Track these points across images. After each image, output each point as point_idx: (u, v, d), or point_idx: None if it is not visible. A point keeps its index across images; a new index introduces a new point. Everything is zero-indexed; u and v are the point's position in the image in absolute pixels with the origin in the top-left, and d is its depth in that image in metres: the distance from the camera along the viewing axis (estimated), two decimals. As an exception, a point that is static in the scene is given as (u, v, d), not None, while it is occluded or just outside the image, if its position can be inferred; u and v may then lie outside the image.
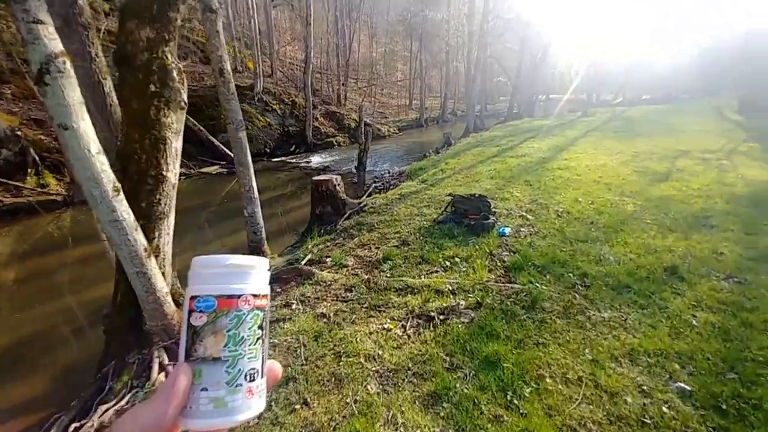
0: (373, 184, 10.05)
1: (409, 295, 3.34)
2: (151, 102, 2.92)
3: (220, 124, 14.17)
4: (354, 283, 3.70)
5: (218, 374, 0.34)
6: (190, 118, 13.39)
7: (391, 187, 9.55)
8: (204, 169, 13.21)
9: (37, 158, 10.03)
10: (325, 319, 3.12)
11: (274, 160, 14.84)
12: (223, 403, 0.33)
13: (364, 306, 3.26)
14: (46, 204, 9.46)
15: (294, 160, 14.80)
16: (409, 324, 2.94)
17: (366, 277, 3.81)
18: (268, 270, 0.40)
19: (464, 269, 3.74)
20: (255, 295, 0.36)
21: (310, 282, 3.84)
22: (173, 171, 3.15)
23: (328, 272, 4.09)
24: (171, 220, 3.28)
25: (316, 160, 14.81)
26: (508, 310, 3.01)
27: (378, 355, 2.60)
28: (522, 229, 4.59)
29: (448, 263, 3.89)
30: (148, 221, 3.06)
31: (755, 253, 3.94)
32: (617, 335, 2.71)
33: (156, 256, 3.14)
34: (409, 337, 2.80)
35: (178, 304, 3.86)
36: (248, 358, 0.35)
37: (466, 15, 19.31)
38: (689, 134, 12.38)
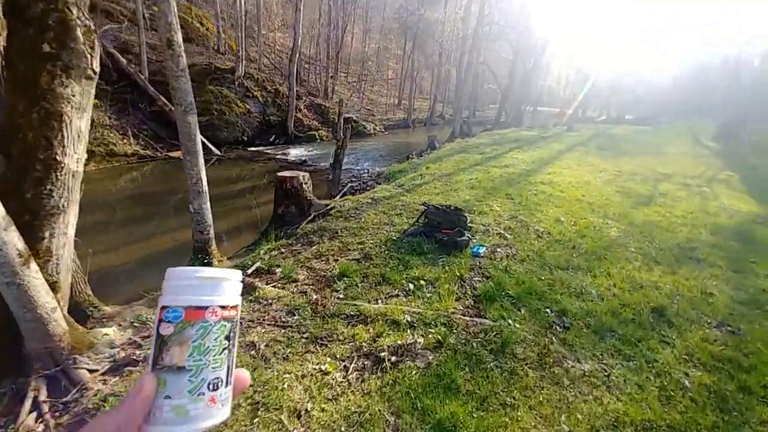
0: (349, 184, 9.46)
1: (360, 326, 2.79)
2: (42, 66, 2.25)
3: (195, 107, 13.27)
4: (299, 304, 3.12)
5: (181, 383, 0.34)
6: (161, 98, 12.48)
7: (368, 188, 8.99)
8: (173, 153, 12.32)
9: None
10: (253, 351, 2.53)
11: (250, 149, 14.04)
12: (184, 411, 0.33)
13: (305, 336, 2.69)
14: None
15: (271, 151, 14.03)
16: (353, 366, 2.38)
17: (315, 297, 3.24)
18: (240, 281, 0.40)
19: (429, 295, 3.22)
20: (223, 307, 0.36)
21: (250, 298, 3.24)
22: (74, 156, 2.49)
23: (273, 287, 3.49)
24: (71, 216, 2.61)
25: (295, 152, 14.08)
26: (473, 354, 2.49)
27: (306, 410, 2.04)
28: (499, 250, 4.11)
29: (411, 286, 3.36)
30: (35, 217, 2.40)
31: (745, 296, 3.57)
32: (599, 397, 2.24)
33: (47, 261, 2.49)
34: (349, 384, 2.25)
35: (86, 317, 3.20)
36: (212, 368, 0.35)
37: (461, 18, 18.87)
38: (669, 156, 12.31)
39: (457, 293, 3.26)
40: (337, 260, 3.97)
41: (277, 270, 3.91)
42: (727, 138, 17.16)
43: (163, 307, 0.36)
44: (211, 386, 0.36)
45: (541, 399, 2.18)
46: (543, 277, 3.58)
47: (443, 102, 30.37)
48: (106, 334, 3.04)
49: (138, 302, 3.64)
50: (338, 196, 8.30)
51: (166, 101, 12.49)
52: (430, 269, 3.65)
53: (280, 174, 5.72)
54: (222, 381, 0.37)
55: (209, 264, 4.68)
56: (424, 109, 28.62)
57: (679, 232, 5.13)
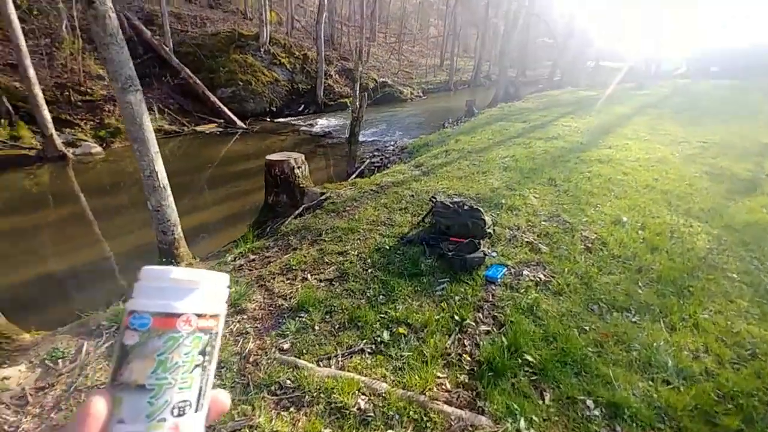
0: (368, 160, 8.33)
1: (289, 412, 1.83)
2: None
3: (219, 78, 12.61)
4: (226, 358, 2.21)
5: (140, 405, 0.28)
6: (186, 69, 11.87)
7: (389, 164, 7.83)
8: (199, 127, 11.85)
9: (10, 107, 8.96)
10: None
11: (277, 120, 13.23)
12: None
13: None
14: (16, 159, 8.48)
15: (298, 122, 13.12)
16: None
17: (250, 346, 2.31)
18: (227, 286, 0.34)
19: (407, 354, 2.15)
20: (200, 315, 0.30)
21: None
22: None
23: (210, 322, 2.62)
24: None
25: (322, 123, 13.05)
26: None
27: None
28: (526, 272, 2.87)
29: (386, 334, 2.30)
30: None
31: None
32: None
33: None
34: None
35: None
36: (179, 388, 0.29)
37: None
38: (773, 120, 9.60)
39: (447, 355, 2.15)
40: (305, 279, 2.99)
41: (233, 289, 3.03)
42: None
43: (131, 312, 0.30)
44: (175, 411, 0.29)
45: None
46: (588, 326, 2.34)
47: (490, 61, 27.28)
48: (4, 378, 2.37)
49: (65, 327, 2.94)
50: (354, 175, 7.26)
51: (190, 73, 11.89)
52: (420, 305, 2.55)
53: (268, 157, 4.76)
54: (190, 405, 0.30)
55: (175, 269, 3.94)
56: (468, 69, 25.90)
57: (804, 241, 3.49)
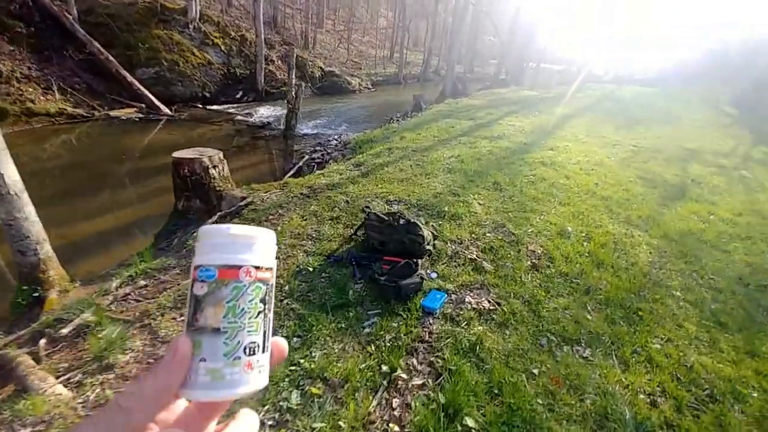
0: (308, 156, 7.65)
1: None
2: None
3: (138, 56, 11.02)
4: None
5: (217, 345, 0.31)
6: (95, 42, 10.19)
7: (329, 161, 7.23)
8: (114, 112, 10.28)
9: None
10: None
11: (210, 108, 11.92)
12: (220, 375, 0.30)
13: None
14: None
15: (234, 110, 11.93)
16: None
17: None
18: (275, 243, 0.36)
19: (318, 428, 1.64)
20: (257, 267, 0.33)
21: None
22: None
23: (59, 388, 1.90)
24: None
25: (262, 112, 11.97)
26: None
27: None
28: (468, 298, 2.49)
29: (295, 397, 1.77)
30: None
31: None
32: None
33: None
34: None
35: None
36: (248, 332, 0.32)
37: (459, -46, 15.82)
38: (690, 125, 10.38)
39: (372, 421, 1.68)
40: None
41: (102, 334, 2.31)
42: (746, 106, 15.00)
43: (197, 267, 0.32)
44: (247, 350, 0.32)
45: None
46: (537, 369, 1.99)
47: (439, 56, 27.33)
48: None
49: None
50: (290, 173, 6.56)
51: (101, 48, 10.23)
52: (343, 348, 2.05)
53: (175, 154, 3.96)
54: (258, 346, 0.33)
55: (40, 298, 3.07)
56: (418, 63, 25.71)
57: (733, 251, 3.51)
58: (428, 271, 2.74)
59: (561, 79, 18.62)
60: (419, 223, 2.84)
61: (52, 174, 6.47)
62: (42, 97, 9.11)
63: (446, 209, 3.72)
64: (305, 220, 3.52)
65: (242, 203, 4.01)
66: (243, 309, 0.32)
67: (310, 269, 2.75)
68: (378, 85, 20.16)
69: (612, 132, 8.46)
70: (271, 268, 0.35)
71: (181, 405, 0.33)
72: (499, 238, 3.25)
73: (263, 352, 0.34)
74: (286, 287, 2.56)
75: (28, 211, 2.90)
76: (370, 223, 2.95)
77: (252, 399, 1.63)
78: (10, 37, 9.28)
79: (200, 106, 11.86)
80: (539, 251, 3.10)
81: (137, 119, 10.05)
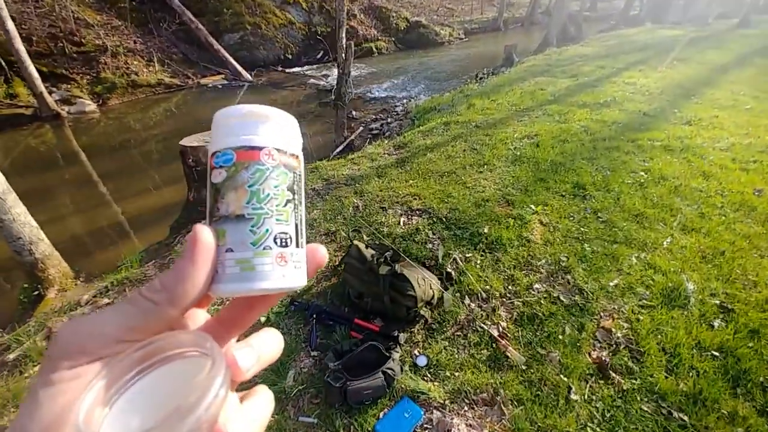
0: (363, 127, 6.75)
1: None
2: None
3: (225, 22, 11.07)
4: None
5: (243, 233, 0.27)
6: (187, 12, 10.45)
7: (387, 133, 6.25)
8: (204, 80, 10.69)
9: (2, 63, 8.29)
10: None
11: (289, 71, 11.63)
12: (250, 266, 0.26)
13: None
14: (13, 118, 7.98)
15: (312, 72, 11.44)
16: None
17: None
18: (299, 130, 0.32)
19: None
20: (279, 150, 0.29)
21: None
22: None
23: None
24: None
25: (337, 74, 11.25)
26: None
27: None
28: (461, 428, 1.48)
29: None
30: None
31: None
32: None
33: None
34: None
35: None
36: (277, 220, 0.28)
37: None
38: None
39: None
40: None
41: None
42: None
43: (213, 153, 0.29)
44: (278, 241, 0.27)
45: None
46: None
47: (554, -9, 22.40)
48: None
49: None
50: (339, 149, 5.82)
51: (192, 16, 10.47)
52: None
53: (182, 142, 3.49)
54: (291, 238, 0.28)
55: (40, 299, 3.00)
56: (524, 3, 21.56)
57: None
58: (415, 353, 1.75)
59: (722, 12, 13.47)
60: (410, 279, 1.81)
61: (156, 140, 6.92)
62: (144, 69, 9.80)
63: (486, 230, 2.54)
64: (297, 233, 2.75)
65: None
66: (268, 194, 0.28)
67: (262, 318, 2.02)
68: (472, 33, 17.51)
69: (802, 90, 5.53)
70: (296, 155, 0.31)
71: (199, 320, 0.29)
72: (554, 296, 2.02)
73: (297, 246, 0.29)
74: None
75: (16, 213, 2.73)
76: (349, 261, 2.04)
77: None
78: (117, 11, 10.02)
79: (280, 69, 11.65)
80: (619, 335, 1.81)
81: (220, 86, 10.28)
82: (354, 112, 7.81)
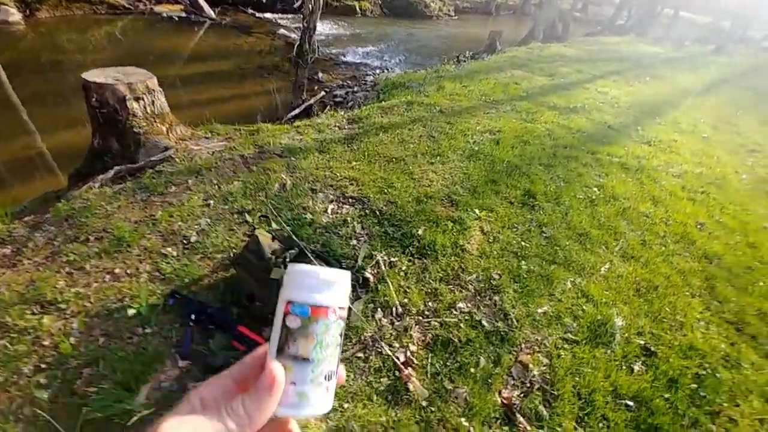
0: (324, 92, 6.21)
1: None
2: None
3: (189, -58, 9.61)
4: None
5: (305, 372, 0.35)
6: None
7: (351, 102, 5.77)
8: (159, 8, 9.39)
9: None
10: None
11: (259, 15, 10.50)
12: (306, 397, 0.34)
13: None
14: None
15: (286, 22, 10.41)
16: None
17: None
18: (351, 282, 0.40)
19: None
20: (341, 308, 0.37)
21: None
22: None
23: None
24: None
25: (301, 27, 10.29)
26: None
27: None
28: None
29: None
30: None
31: None
32: None
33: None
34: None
35: None
36: (328, 361, 0.36)
37: None
38: None
39: None
40: None
41: None
42: None
43: (290, 302, 0.36)
44: (326, 377, 0.36)
45: None
46: None
47: (550, -15, 21.92)
48: None
49: None
50: (293, 112, 5.27)
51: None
52: None
53: (86, 76, 2.84)
54: (334, 373, 0.36)
55: None
56: (520, -9, 20.96)
57: None
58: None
59: (700, 36, 13.84)
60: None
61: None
62: (84, -19, 8.37)
63: (421, 232, 2.26)
64: (206, 205, 2.33)
65: (161, 156, 2.89)
66: (328, 342, 0.35)
67: (131, 311, 1.63)
68: (463, 12, 16.83)
69: (754, 127, 5.69)
70: (347, 307, 0.38)
71: None
72: (476, 319, 1.80)
73: (335, 378, 0.37)
74: (48, 342, 1.48)
75: None
76: (245, 254, 1.67)
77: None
78: None
79: (250, 11, 10.48)
80: (536, 372, 1.62)
81: (176, 18, 9.06)
82: (321, 74, 7.17)
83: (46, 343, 1.49)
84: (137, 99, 2.93)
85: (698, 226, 2.90)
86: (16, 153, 3.88)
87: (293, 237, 1.68)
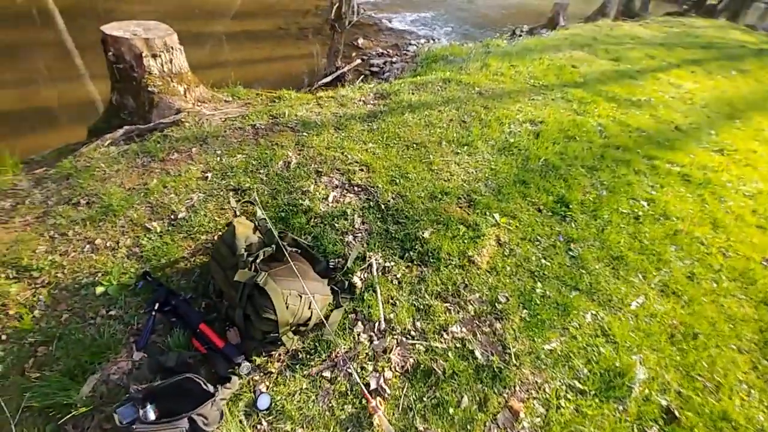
0: (360, 60, 5.85)
1: None
2: None
3: None
4: None
5: None
6: None
7: (387, 73, 5.41)
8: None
9: None
10: None
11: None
12: None
13: None
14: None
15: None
16: None
17: None
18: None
19: None
20: None
21: None
22: None
23: None
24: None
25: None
26: None
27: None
28: None
29: None
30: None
31: None
32: None
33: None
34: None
35: None
36: None
37: None
38: None
39: None
40: None
41: None
42: None
43: None
44: None
45: None
46: None
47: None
48: None
49: None
50: (324, 80, 5.02)
51: None
52: None
53: (104, 29, 2.73)
54: None
55: None
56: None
57: None
58: (261, 387, 1.32)
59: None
60: (275, 298, 1.31)
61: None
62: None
63: (427, 235, 2.00)
64: (203, 179, 2.19)
65: (173, 119, 2.78)
66: None
67: (99, 288, 1.55)
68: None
69: None
70: None
71: None
72: (469, 348, 1.56)
73: None
74: (14, 311, 1.43)
75: None
76: (218, 245, 1.52)
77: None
78: None
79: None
80: (526, 424, 1.38)
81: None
82: (361, 40, 6.76)
83: (11, 312, 1.45)
84: (154, 56, 2.80)
85: (764, 263, 2.41)
86: (61, 97, 3.94)
87: (272, 231, 1.49)
